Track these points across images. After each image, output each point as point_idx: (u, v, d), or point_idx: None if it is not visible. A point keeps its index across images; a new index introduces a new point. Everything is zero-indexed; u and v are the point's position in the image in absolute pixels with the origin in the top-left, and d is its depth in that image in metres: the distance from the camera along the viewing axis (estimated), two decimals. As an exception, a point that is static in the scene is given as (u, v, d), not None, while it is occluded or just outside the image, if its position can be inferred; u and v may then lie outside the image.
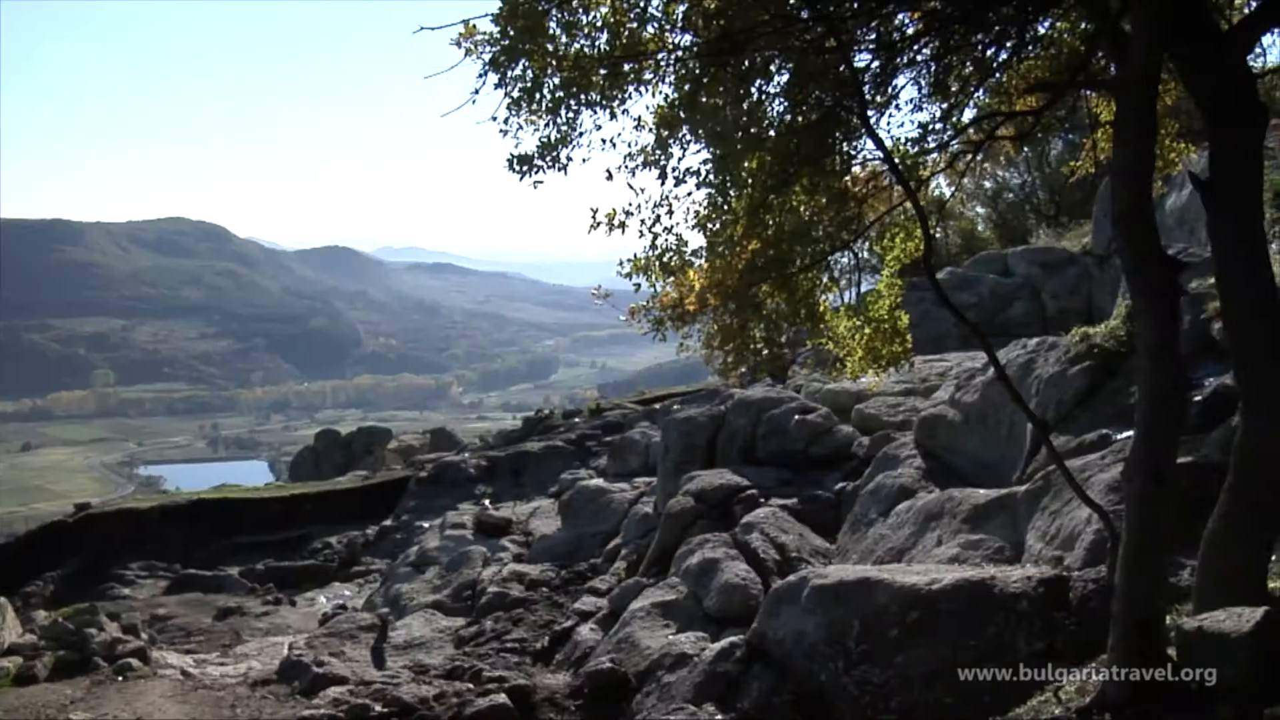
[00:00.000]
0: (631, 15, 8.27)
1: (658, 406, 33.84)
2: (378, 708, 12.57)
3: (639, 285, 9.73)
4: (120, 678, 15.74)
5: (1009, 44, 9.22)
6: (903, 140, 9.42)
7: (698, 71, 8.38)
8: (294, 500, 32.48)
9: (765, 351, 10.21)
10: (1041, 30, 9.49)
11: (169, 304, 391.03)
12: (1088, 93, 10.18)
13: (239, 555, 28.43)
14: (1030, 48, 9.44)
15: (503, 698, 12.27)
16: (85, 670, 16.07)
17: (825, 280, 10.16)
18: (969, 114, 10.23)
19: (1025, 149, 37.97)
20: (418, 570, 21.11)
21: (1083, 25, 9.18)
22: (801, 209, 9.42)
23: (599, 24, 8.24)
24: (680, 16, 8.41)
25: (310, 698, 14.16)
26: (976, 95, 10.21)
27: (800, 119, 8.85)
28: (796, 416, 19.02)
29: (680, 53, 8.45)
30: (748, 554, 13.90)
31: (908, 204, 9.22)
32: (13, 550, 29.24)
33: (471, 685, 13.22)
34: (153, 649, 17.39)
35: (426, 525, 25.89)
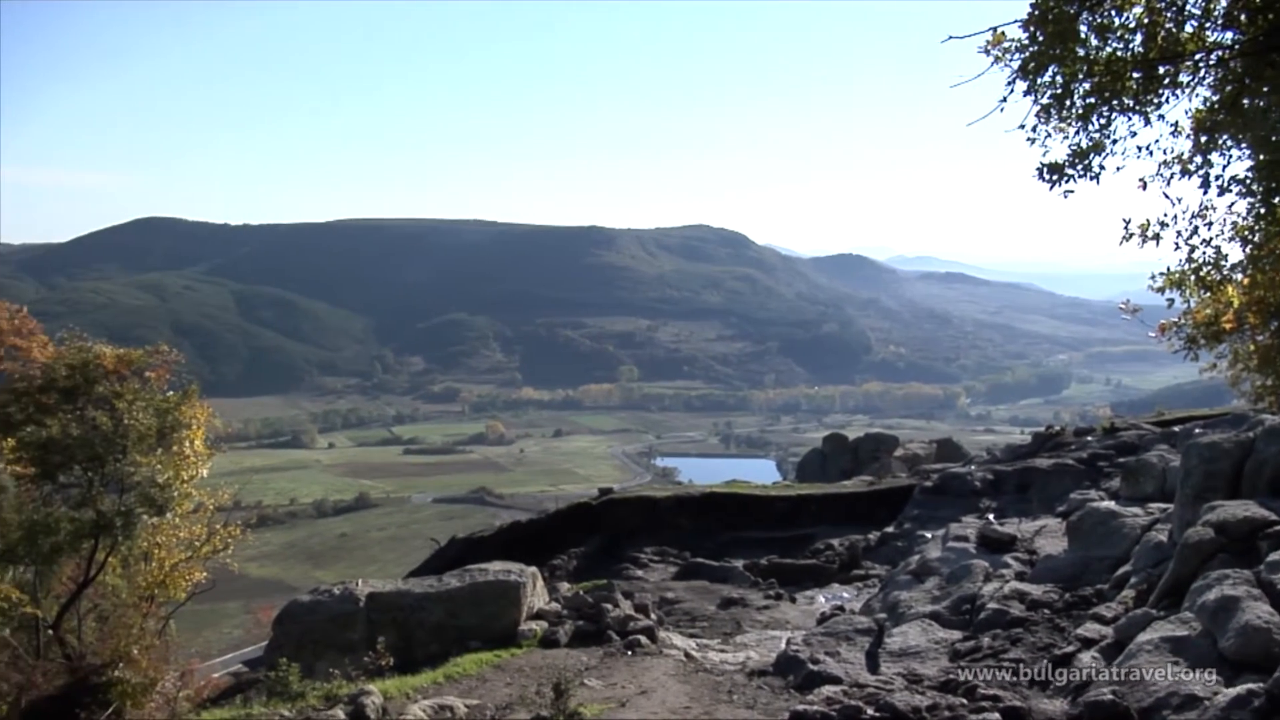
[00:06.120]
0: (1168, 14, 7.87)
1: (1177, 429, 31.81)
2: (870, 711, 12.61)
3: (1172, 300, 9.28)
4: (630, 652, 16.83)
5: None
6: None
7: (1241, 71, 7.84)
8: (800, 500, 33.28)
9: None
10: None
11: (690, 306, 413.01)
12: None
13: (744, 548, 29.50)
14: None
15: (996, 717, 11.98)
16: (599, 641, 17.37)
17: (1383, 299, 9.26)
18: None
19: None
20: (917, 579, 21.00)
21: None
22: (1358, 221, 8.62)
23: (1132, 25, 7.91)
24: (1221, 13, 7.90)
25: (804, 693, 14.47)
26: None
27: (1360, 121, 8.09)
28: (1339, 449, 17.28)
29: (1221, 52, 7.94)
30: (1272, 595, 12.77)
31: None
32: (543, 526, 32.14)
33: (965, 700, 12.99)
34: (660, 629, 18.44)
35: (929, 535, 25.71)
